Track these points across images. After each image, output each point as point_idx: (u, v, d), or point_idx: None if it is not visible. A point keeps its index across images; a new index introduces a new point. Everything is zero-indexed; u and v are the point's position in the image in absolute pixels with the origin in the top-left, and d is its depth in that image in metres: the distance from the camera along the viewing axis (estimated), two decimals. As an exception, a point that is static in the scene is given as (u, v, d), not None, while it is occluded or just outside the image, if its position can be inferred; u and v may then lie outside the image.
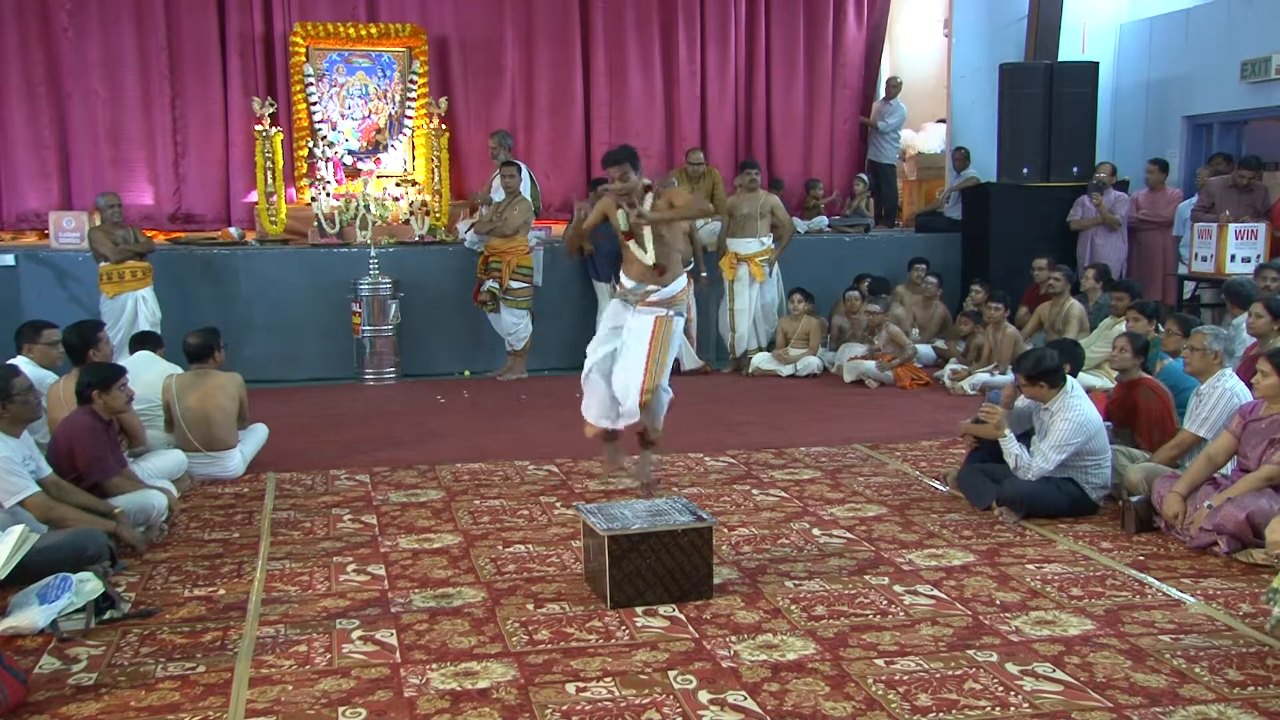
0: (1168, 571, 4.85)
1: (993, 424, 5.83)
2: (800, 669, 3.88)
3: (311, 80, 11.17)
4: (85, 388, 5.51)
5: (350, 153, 11.18)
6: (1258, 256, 9.20)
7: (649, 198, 5.92)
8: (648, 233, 5.86)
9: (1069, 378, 5.72)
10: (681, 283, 5.98)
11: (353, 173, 10.95)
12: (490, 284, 9.68)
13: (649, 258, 5.86)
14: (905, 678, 3.80)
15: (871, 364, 9.45)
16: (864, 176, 12.39)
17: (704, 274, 9.97)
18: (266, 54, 11.53)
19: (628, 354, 5.89)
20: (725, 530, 5.44)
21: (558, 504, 5.98)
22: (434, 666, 3.93)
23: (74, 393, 5.63)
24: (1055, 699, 3.65)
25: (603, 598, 4.48)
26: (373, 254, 9.67)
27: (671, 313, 5.92)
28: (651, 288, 5.93)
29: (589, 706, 3.62)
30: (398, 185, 10.93)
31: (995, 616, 4.34)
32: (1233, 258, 9.27)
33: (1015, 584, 4.70)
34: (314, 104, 11.18)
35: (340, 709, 3.63)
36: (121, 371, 5.69)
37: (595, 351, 6.08)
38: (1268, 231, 9.31)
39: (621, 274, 6.19)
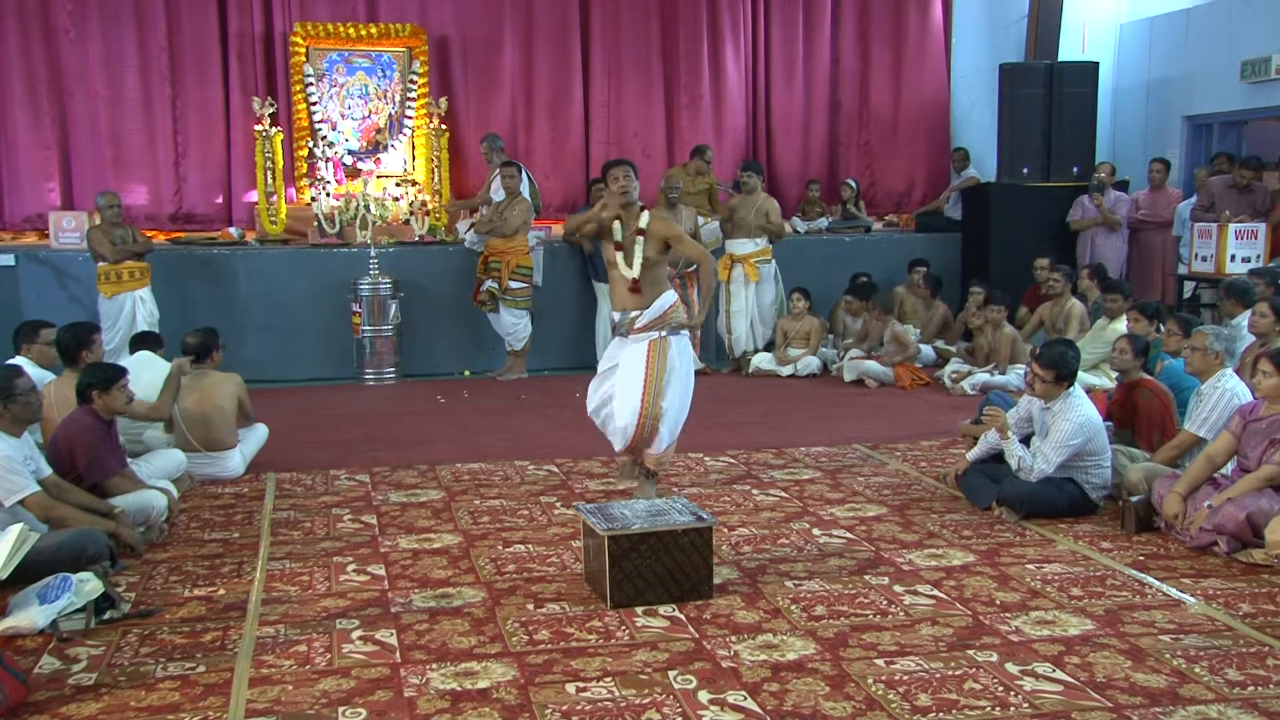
0: (1168, 571, 4.85)
1: (996, 427, 5.82)
2: (800, 669, 3.88)
3: (311, 80, 11.16)
4: (85, 388, 5.50)
5: (350, 153, 11.18)
6: (1258, 257, 9.20)
7: (644, 215, 5.84)
8: (637, 250, 5.77)
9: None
10: (668, 300, 5.83)
11: (353, 173, 10.94)
12: (489, 284, 9.68)
13: (632, 272, 5.77)
14: (905, 678, 3.80)
15: (871, 363, 9.44)
16: (850, 182, 12.37)
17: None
18: (266, 54, 11.51)
19: (621, 380, 5.81)
20: (725, 530, 5.44)
21: (558, 504, 5.98)
22: (434, 666, 3.94)
23: (72, 392, 5.63)
24: (1055, 699, 3.65)
25: (603, 598, 4.48)
26: (373, 254, 9.67)
27: (665, 333, 5.78)
28: (634, 314, 5.81)
29: (589, 706, 3.62)
30: (398, 185, 10.93)
31: (995, 616, 4.34)
32: (1233, 258, 9.27)
33: (1015, 584, 4.70)
34: (314, 104, 11.17)
35: (340, 709, 3.64)
36: (122, 372, 5.69)
37: (595, 391, 6.01)
38: (1268, 231, 9.31)
39: (611, 308, 6.10)
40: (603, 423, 6.03)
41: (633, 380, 5.75)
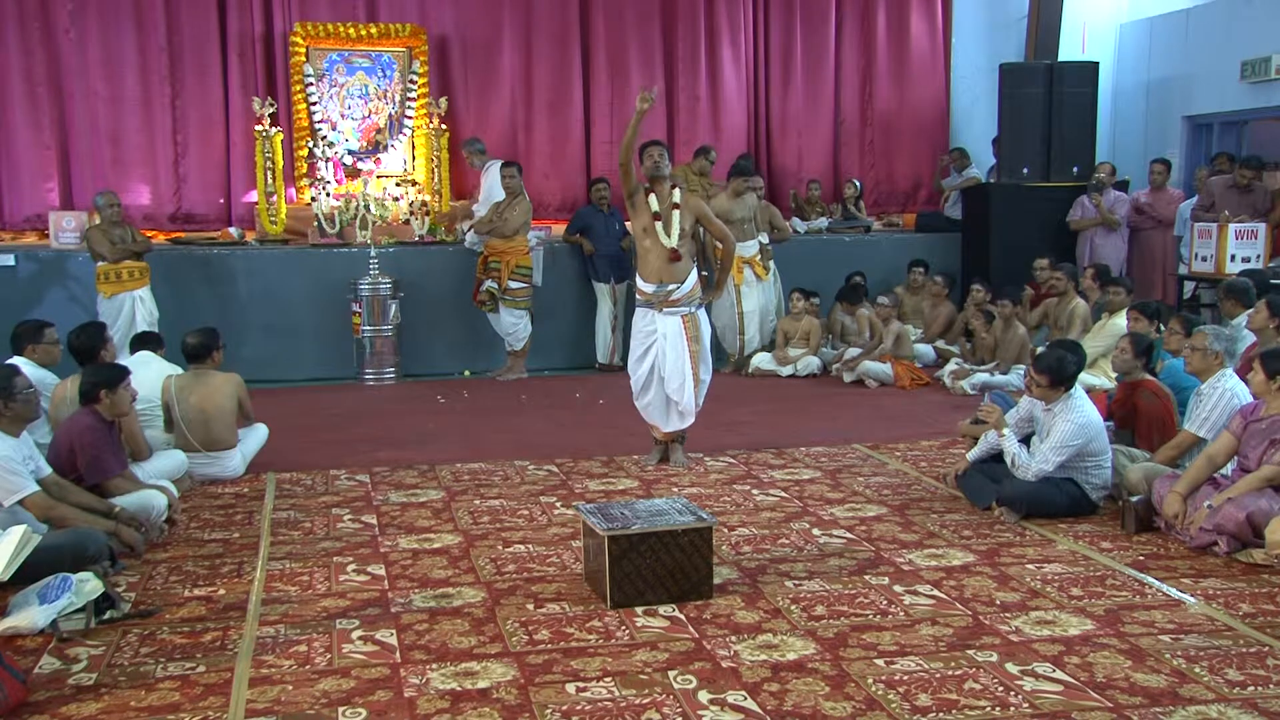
0: (1168, 571, 4.85)
1: (992, 422, 5.82)
2: (800, 669, 3.88)
3: (311, 80, 11.15)
4: (93, 387, 5.50)
5: (350, 153, 11.17)
6: (1257, 257, 9.20)
7: (676, 192, 6.43)
8: (675, 219, 6.31)
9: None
10: (695, 276, 6.50)
11: (353, 173, 10.93)
12: (489, 284, 9.69)
13: (671, 241, 6.32)
14: (905, 678, 3.80)
15: (871, 363, 9.44)
16: (855, 182, 12.37)
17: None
18: (266, 54, 11.50)
19: (670, 360, 6.41)
20: (725, 530, 5.44)
21: (558, 504, 5.98)
22: (434, 666, 3.94)
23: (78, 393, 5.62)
24: (1055, 699, 3.65)
25: (603, 598, 4.48)
26: (373, 254, 9.67)
27: (694, 309, 6.49)
28: (671, 286, 6.38)
29: (589, 706, 3.62)
30: (398, 185, 10.93)
31: (995, 616, 4.34)
32: (1233, 258, 9.26)
33: (1015, 584, 4.70)
34: (314, 104, 11.16)
35: (340, 709, 3.64)
36: (126, 372, 5.69)
37: (637, 369, 6.56)
38: (1268, 231, 9.31)
39: (638, 279, 6.56)
40: (648, 406, 6.60)
41: (680, 361, 6.41)
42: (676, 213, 6.36)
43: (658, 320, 6.47)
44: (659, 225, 6.35)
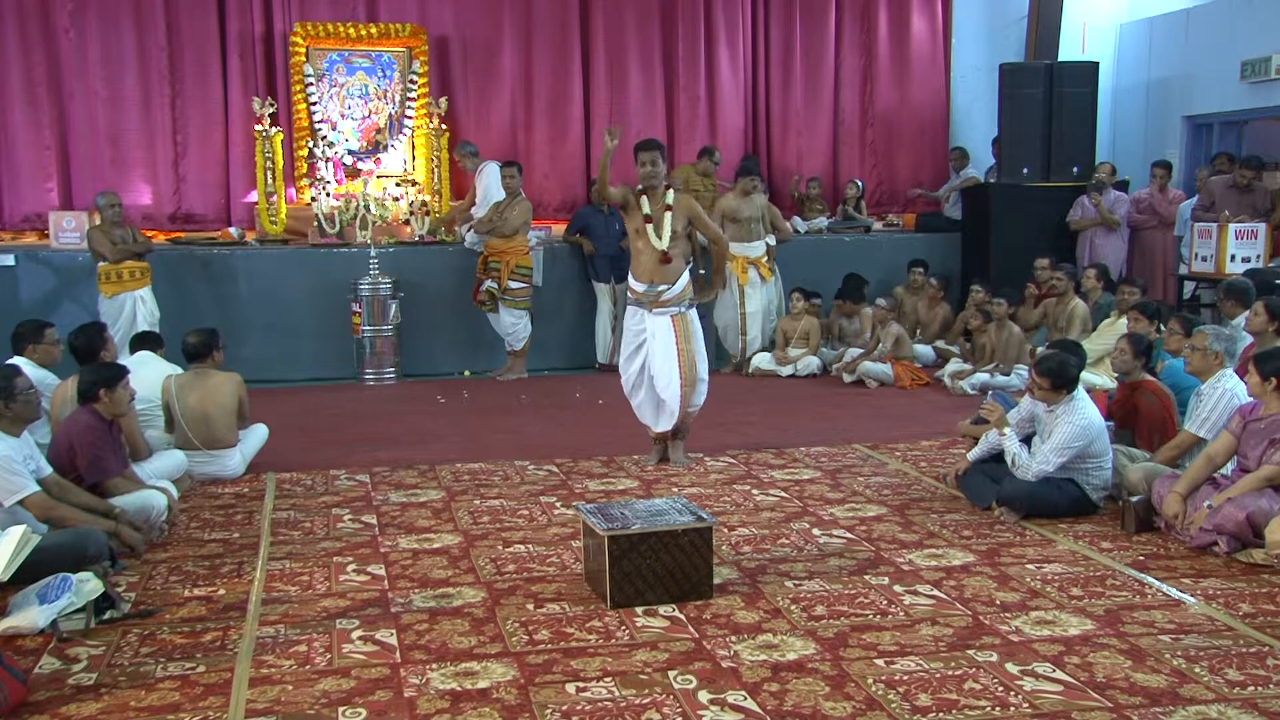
0: (1168, 571, 4.85)
1: (994, 420, 5.82)
2: (800, 669, 3.88)
3: (311, 80, 11.16)
4: (91, 386, 5.50)
5: (350, 153, 11.17)
6: (1257, 257, 9.21)
7: (670, 192, 6.47)
8: (666, 222, 6.37)
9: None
10: (686, 277, 6.53)
11: (353, 173, 10.93)
12: (489, 284, 9.69)
13: (662, 244, 6.38)
14: (905, 678, 3.80)
15: (871, 363, 9.43)
16: (856, 182, 12.38)
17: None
18: (266, 54, 11.50)
19: (658, 358, 6.46)
20: (725, 530, 5.44)
21: (558, 504, 5.98)
22: (434, 666, 3.94)
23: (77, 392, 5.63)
24: (1055, 699, 3.65)
25: (603, 598, 4.48)
26: (373, 254, 9.67)
27: (684, 309, 6.51)
28: (662, 287, 6.43)
29: (589, 706, 3.62)
30: (398, 185, 10.93)
31: (995, 616, 4.34)
32: (1233, 258, 9.27)
33: (1015, 584, 4.70)
34: (314, 104, 11.16)
35: (340, 709, 3.64)
36: (125, 371, 5.70)
37: (628, 368, 6.65)
38: (1268, 231, 9.31)
39: (631, 278, 6.60)
40: (640, 405, 6.69)
41: (668, 359, 6.45)
42: (668, 215, 6.42)
43: (647, 320, 6.52)
44: (650, 228, 6.42)
